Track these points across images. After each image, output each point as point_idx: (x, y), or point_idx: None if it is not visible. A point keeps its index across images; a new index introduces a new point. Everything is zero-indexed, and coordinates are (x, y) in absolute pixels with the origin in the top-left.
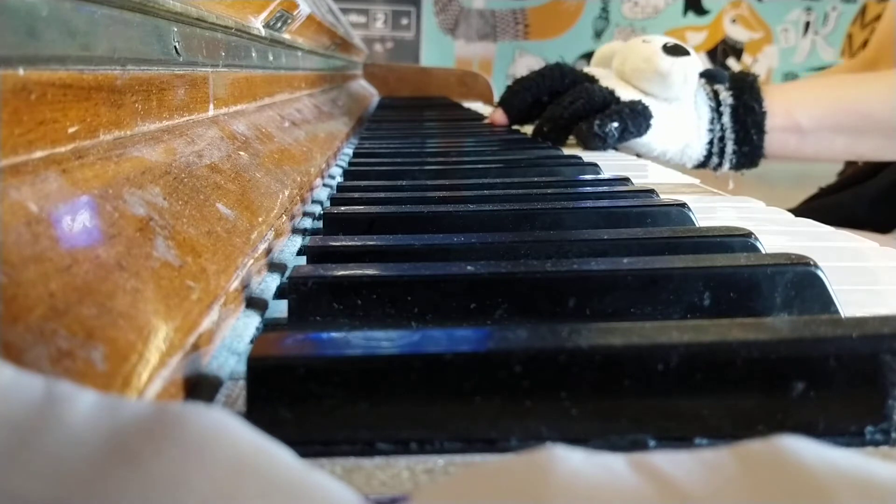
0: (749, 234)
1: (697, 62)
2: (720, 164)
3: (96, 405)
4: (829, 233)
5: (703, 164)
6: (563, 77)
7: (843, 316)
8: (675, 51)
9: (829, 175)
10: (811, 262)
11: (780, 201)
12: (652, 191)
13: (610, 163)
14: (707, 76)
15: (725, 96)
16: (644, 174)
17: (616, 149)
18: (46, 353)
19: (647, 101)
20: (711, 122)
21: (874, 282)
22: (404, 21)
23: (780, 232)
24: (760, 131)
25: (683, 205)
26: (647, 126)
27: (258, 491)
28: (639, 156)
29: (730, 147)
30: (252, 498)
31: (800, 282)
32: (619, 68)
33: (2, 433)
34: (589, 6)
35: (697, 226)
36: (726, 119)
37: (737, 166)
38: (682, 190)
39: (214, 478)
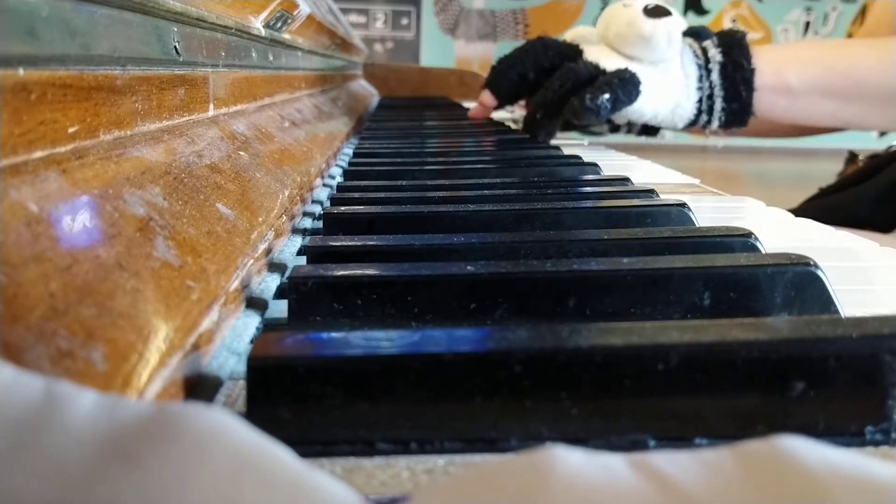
0: (749, 234)
1: (680, 21)
2: (709, 122)
3: (96, 405)
4: (829, 233)
5: (693, 123)
6: (547, 51)
7: (843, 316)
8: (656, 12)
9: (829, 175)
10: (811, 262)
11: (780, 201)
12: (652, 191)
13: (609, 162)
14: (692, 34)
15: (714, 53)
16: (638, 174)
17: (610, 120)
18: (46, 353)
19: (633, 66)
20: (700, 80)
21: (874, 282)
22: (404, 21)
23: (780, 232)
24: (749, 88)
25: (683, 205)
26: (637, 93)
27: (258, 491)
28: (630, 123)
29: (718, 104)
30: (252, 498)
31: (800, 282)
32: (602, 34)
33: (2, 433)
34: (589, 6)
35: (697, 226)
36: (715, 76)
37: (726, 124)
38: (682, 190)
39: (214, 478)
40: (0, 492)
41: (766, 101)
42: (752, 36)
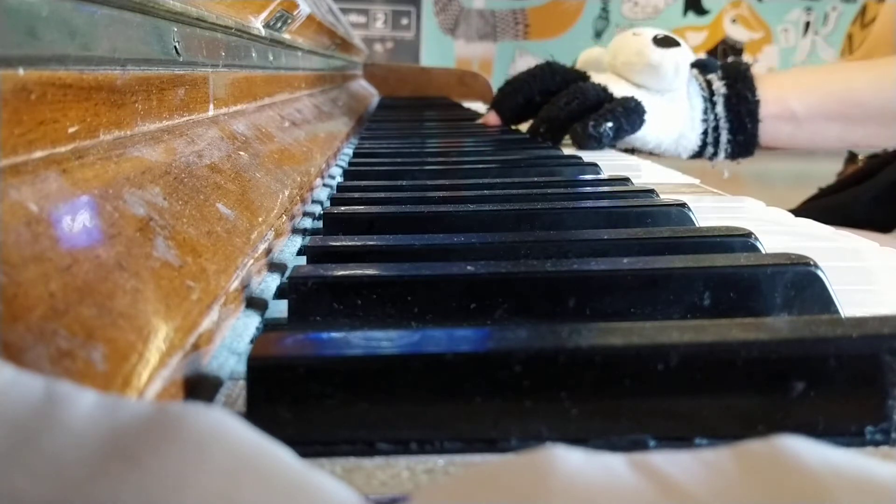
0: (749, 234)
1: (688, 52)
2: (715, 154)
3: (96, 405)
4: (829, 233)
5: (698, 155)
6: (554, 76)
7: (843, 316)
8: (665, 42)
9: (828, 175)
10: (811, 262)
11: (780, 201)
12: (652, 191)
13: (609, 163)
14: (699, 66)
15: (718, 86)
16: (638, 174)
17: (613, 145)
18: (46, 353)
19: (639, 94)
20: (705, 113)
21: (874, 282)
22: (404, 21)
23: (780, 232)
24: (754, 120)
25: (683, 205)
26: (641, 122)
27: (258, 491)
28: (634, 149)
29: (724, 136)
30: (252, 498)
31: (800, 282)
32: (611, 62)
33: (2, 433)
34: (589, 6)
35: (697, 226)
36: (720, 109)
37: (732, 155)
38: (682, 190)
39: (214, 478)
40: (0, 492)
41: (770, 129)
42: (752, 36)
